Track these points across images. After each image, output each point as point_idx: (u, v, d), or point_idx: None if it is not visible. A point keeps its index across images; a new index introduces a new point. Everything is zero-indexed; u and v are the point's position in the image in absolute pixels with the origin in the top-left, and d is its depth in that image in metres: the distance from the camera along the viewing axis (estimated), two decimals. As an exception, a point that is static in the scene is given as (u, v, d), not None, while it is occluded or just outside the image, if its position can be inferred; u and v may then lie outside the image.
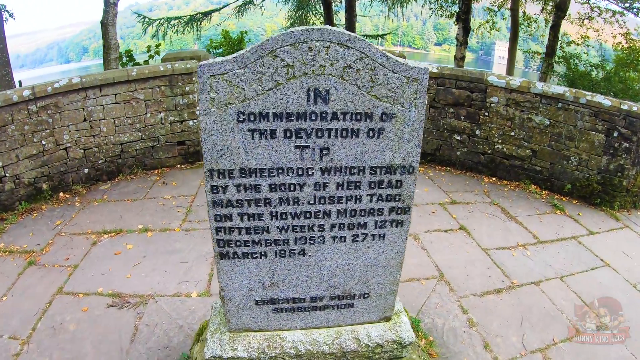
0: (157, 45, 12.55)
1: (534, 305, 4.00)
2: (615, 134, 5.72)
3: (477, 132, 6.80)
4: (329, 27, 1.76)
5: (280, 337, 2.41)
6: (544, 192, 6.41)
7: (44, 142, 5.68)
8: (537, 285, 4.29)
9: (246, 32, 14.95)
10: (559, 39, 15.10)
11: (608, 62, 13.99)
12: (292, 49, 1.75)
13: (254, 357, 2.35)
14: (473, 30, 16.55)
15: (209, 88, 1.77)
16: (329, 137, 1.94)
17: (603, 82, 11.88)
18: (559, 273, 4.51)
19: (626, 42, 14.84)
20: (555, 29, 14.33)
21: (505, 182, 6.72)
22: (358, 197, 2.11)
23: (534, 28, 18.91)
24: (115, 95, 6.24)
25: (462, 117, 6.86)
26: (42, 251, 4.66)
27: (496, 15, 19.22)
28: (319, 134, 1.92)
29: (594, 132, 5.88)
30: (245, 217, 2.07)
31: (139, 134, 6.61)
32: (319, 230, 2.16)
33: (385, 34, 20.79)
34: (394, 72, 1.87)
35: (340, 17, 16.28)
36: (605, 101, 5.72)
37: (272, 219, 2.10)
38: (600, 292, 4.24)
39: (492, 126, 6.65)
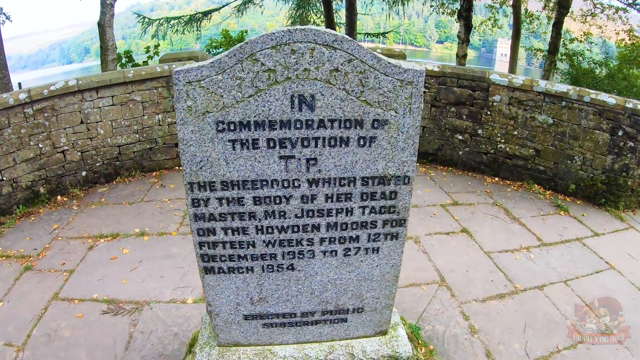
0: (156, 46, 12.48)
1: (537, 311, 3.90)
2: (620, 133, 5.61)
3: (480, 131, 6.70)
4: (313, 27, 1.64)
5: (271, 352, 2.32)
6: (547, 192, 6.30)
7: (41, 146, 5.63)
8: (541, 290, 4.19)
9: (247, 32, 14.90)
10: (562, 36, 14.95)
11: (612, 59, 13.84)
12: (273, 52, 1.64)
13: (244, 373, 2.26)
14: (475, 27, 16.46)
15: (185, 96, 1.67)
16: (316, 146, 1.83)
17: (607, 79, 11.74)
18: (563, 277, 4.41)
19: (629, 39, 14.69)
20: (557, 26, 14.16)
21: (508, 182, 6.61)
22: (349, 209, 2.00)
23: (536, 25, 18.77)
24: (112, 97, 6.17)
25: (464, 116, 6.76)
26: (38, 256, 4.63)
27: (498, 13, 19.10)
28: (305, 143, 1.81)
29: (598, 131, 5.77)
30: (229, 231, 1.97)
31: (137, 135, 6.54)
32: (308, 245, 2.06)
33: (387, 32, 20.60)
34: (386, 75, 1.75)
35: (341, 15, 16.21)
36: (610, 99, 5.60)
37: (257, 233, 1.99)
38: (605, 296, 4.13)
39: (495, 125, 6.55)
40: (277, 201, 1.93)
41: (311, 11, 17.30)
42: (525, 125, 6.31)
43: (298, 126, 1.78)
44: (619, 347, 3.54)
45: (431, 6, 18.36)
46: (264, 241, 2.02)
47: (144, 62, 11.79)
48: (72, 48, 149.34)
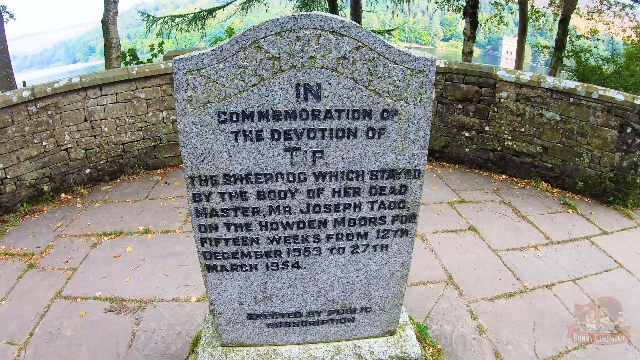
0: (160, 44, 12.43)
1: (546, 310, 3.83)
2: (629, 130, 5.51)
3: (487, 128, 6.62)
4: (319, 12, 1.56)
5: (275, 352, 2.26)
6: (555, 190, 6.22)
7: (44, 143, 5.62)
8: (550, 289, 4.12)
9: (251, 29, 14.82)
10: (568, 32, 14.83)
11: (619, 55, 13.72)
12: (277, 39, 1.56)
13: (248, 373, 2.20)
14: (480, 24, 16.33)
15: (185, 85, 1.59)
16: (323, 138, 1.75)
17: (614, 76, 11.63)
18: (572, 275, 4.34)
19: (636, 36, 14.57)
20: (564, 22, 14.05)
21: (516, 180, 6.53)
22: (357, 204, 1.92)
23: (543, 22, 18.67)
24: (116, 94, 6.15)
25: (471, 113, 6.68)
26: (42, 254, 4.62)
27: (504, 9, 18.99)
28: (311, 134, 1.74)
29: (606, 128, 5.68)
30: (232, 227, 1.90)
31: (141, 133, 6.51)
32: (314, 241, 1.99)
33: (392, 30, 20.47)
34: (396, 64, 1.67)
35: (346, 13, 16.14)
36: (619, 96, 5.51)
37: (261, 229, 1.92)
38: (614, 295, 4.07)
39: (502, 122, 6.47)
40: (282, 196, 1.85)
41: (316, 9, 17.23)
42: (533, 122, 6.22)
43: (304, 117, 1.70)
44: (629, 347, 3.47)
45: (436, 2, 18.26)
46: (268, 238, 1.95)
47: (148, 60, 11.76)
48: (78, 47, 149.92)
